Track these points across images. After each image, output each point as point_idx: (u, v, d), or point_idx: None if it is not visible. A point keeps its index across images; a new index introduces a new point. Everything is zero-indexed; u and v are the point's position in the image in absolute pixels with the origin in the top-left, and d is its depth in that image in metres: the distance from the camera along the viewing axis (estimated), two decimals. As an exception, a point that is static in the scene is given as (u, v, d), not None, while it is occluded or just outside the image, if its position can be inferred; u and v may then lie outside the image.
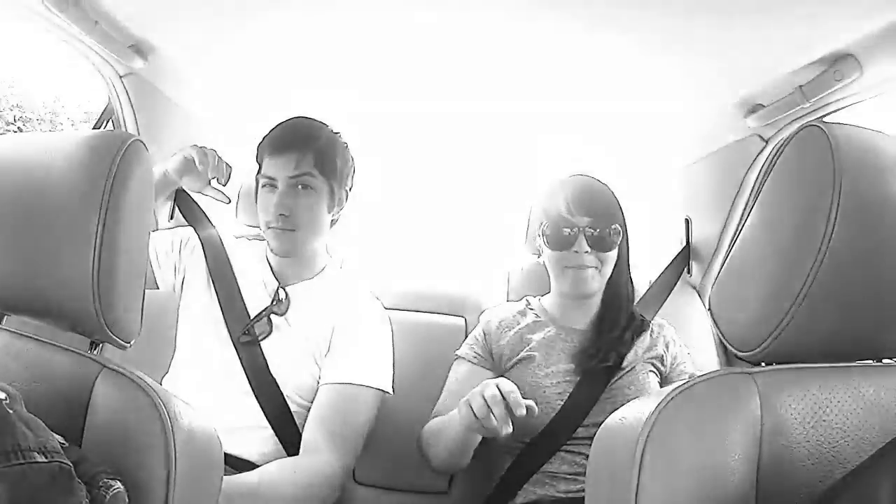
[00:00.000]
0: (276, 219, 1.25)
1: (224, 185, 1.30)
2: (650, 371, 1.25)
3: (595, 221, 1.24)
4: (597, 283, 1.27)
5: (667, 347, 1.29)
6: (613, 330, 1.27)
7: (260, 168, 1.29)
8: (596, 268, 1.26)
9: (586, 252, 1.24)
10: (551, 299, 1.38)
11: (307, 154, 1.25)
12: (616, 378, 1.22)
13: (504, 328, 1.34)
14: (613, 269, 1.29)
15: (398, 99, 1.57)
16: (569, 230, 1.24)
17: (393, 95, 1.55)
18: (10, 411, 0.58)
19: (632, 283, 1.36)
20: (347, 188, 1.35)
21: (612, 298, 1.32)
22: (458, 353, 1.36)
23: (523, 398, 0.98)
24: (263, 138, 1.30)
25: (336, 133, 1.34)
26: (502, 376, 1.25)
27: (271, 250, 1.33)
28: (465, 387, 1.10)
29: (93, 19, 1.14)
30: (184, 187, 1.34)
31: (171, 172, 1.27)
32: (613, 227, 1.25)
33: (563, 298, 1.34)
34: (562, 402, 1.20)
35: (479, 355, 1.32)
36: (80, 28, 1.13)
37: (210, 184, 1.30)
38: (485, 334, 1.35)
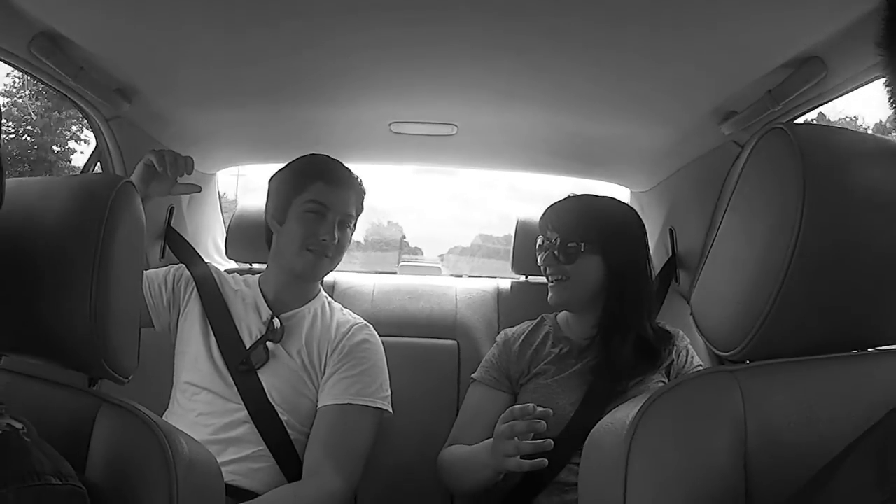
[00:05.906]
0: (326, 245, 1.31)
1: (190, 175, 1.28)
2: (659, 381, 1.25)
3: (561, 236, 1.30)
4: (564, 295, 1.31)
5: (678, 356, 1.29)
6: (621, 347, 1.25)
7: (300, 191, 1.32)
8: (560, 279, 1.30)
9: (549, 265, 1.32)
10: (562, 314, 1.41)
11: (353, 195, 1.36)
12: (627, 388, 1.22)
13: (521, 346, 1.36)
14: (613, 283, 1.28)
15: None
16: (543, 248, 1.34)
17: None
18: (27, 440, 0.59)
19: (649, 298, 1.35)
20: None
21: (610, 312, 1.29)
22: (473, 376, 1.37)
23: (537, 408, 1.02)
24: (308, 166, 1.36)
25: None
26: (517, 394, 1.31)
27: (296, 274, 1.34)
28: (482, 411, 1.10)
29: (78, 65, 1.17)
30: (152, 194, 1.28)
31: (136, 184, 1.25)
32: (572, 242, 1.28)
33: (563, 312, 1.39)
34: (574, 412, 1.21)
35: (495, 378, 1.33)
36: (66, 73, 1.16)
37: (176, 181, 1.28)
38: (500, 354, 1.37)
